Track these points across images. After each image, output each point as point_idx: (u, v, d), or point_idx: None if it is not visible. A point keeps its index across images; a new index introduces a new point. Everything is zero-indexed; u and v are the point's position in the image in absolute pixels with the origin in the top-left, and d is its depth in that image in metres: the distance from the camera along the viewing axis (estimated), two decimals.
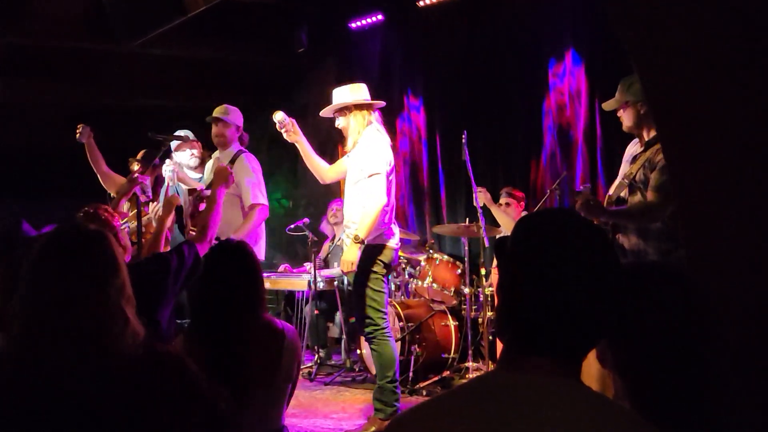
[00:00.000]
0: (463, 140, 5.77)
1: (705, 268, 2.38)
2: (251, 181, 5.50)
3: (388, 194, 4.87)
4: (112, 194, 6.10)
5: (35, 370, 2.04)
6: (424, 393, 6.03)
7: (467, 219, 6.86)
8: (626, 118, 4.14)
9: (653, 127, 4.05)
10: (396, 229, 5.01)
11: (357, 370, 7.03)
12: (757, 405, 2.11)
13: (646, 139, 4.09)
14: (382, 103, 5.15)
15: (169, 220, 4.33)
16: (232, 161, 5.55)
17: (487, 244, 6.06)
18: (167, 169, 5.77)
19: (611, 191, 4.18)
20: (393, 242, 4.94)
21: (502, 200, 6.70)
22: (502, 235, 5.90)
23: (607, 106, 4.25)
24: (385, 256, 4.90)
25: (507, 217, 6.42)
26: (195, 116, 9.83)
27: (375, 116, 5.03)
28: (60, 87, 9.28)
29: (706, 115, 2.39)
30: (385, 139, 4.96)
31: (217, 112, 5.75)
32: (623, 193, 4.10)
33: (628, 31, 2.62)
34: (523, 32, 7.33)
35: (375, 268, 4.87)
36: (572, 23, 6.91)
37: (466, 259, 6.42)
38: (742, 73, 2.27)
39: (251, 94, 10.20)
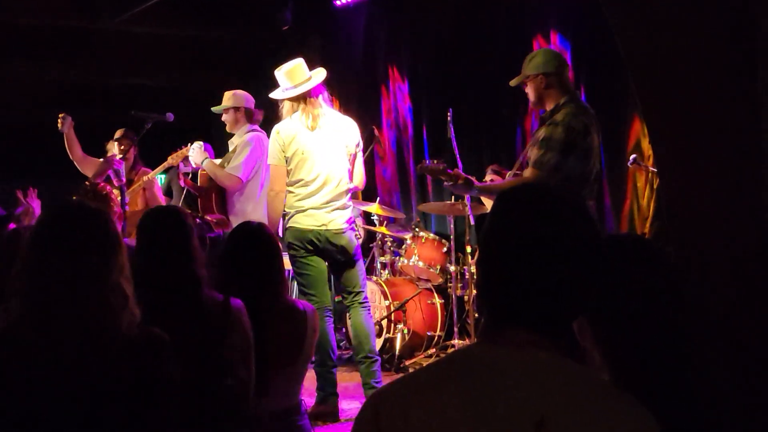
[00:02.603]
0: (449, 118, 5.75)
1: (694, 261, 2.40)
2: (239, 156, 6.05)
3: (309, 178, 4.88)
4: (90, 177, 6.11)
5: (38, 345, 2.05)
6: (410, 371, 6.03)
7: (453, 197, 6.84)
8: (530, 94, 4.20)
9: (553, 102, 4.08)
10: (308, 207, 4.90)
11: (343, 348, 7.04)
12: (735, 380, 2.13)
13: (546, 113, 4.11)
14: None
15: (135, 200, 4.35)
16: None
17: (472, 222, 6.06)
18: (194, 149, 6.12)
19: (514, 169, 4.23)
20: (293, 221, 4.90)
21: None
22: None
23: (512, 82, 4.28)
24: (289, 236, 4.92)
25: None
26: (178, 94, 9.80)
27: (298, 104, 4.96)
28: (41, 65, 9.20)
29: (698, 115, 2.41)
30: (283, 126, 4.91)
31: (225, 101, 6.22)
32: (520, 171, 4.16)
33: (623, 32, 2.62)
34: (509, 8, 7.28)
35: (290, 252, 4.93)
36: (558, 1, 6.87)
37: (451, 237, 6.42)
38: (736, 73, 2.28)
39: (235, 71, 10.12)
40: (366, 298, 5.10)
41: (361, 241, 6.30)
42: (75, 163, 6.44)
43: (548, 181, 3.82)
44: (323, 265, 4.98)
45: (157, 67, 9.68)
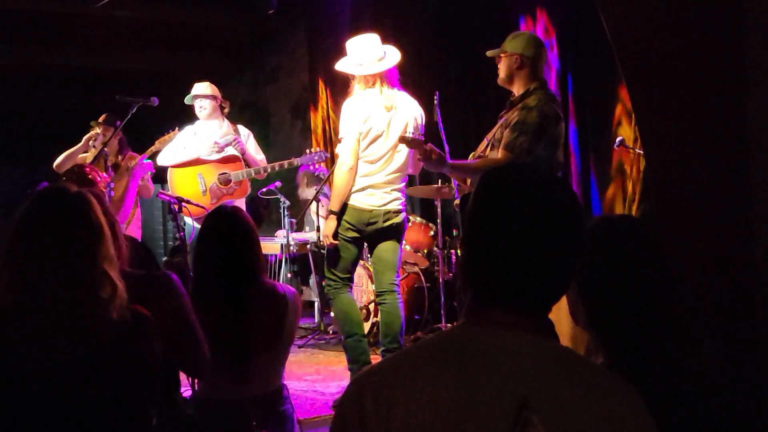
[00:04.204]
0: (435, 102, 5.73)
1: (682, 254, 2.43)
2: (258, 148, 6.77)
3: (367, 155, 4.84)
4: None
5: (28, 339, 2.03)
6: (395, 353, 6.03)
7: (439, 180, 6.84)
8: (501, 69, 4.19)
9: (523, 85, 4.10)
10: (368, 186, 4.87)
11: (331, 332, 7.05)
12: (719, 351, 2.16)
13: (515, 96, 4.12)
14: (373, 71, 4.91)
15: (122, 186, 4.34)
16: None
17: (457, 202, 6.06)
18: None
19: (479, 150, 4.25)
20: (353, 200, 4.86)
21: None
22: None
23: (489, 53, 4.31)
24: (349, 216, 4.86)
25: None
26: (164, 78, 9.75)
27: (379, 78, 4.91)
28: (25, 50, 9.13)
29: (689, 114, 2.44)
30: (361, 100, 4.86)
31: (205, 90, 6.47)
32: (486, 152, 4.17)
33: (618, 33, 2.63)
34: None
35: (341, 229, 4.89)
36: None
37: (438, 220, 6.42)
38: (726, 73, 2.31)
39: (221, 56, 10.08)
40: (399, 281, 5.10)
41: None
42: (60, 164, 6.33)
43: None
44: (357, 253, 5.00)
45: (141, 51, 9.63)
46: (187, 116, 6.71)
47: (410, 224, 6.67)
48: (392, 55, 4.99)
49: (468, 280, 1.47)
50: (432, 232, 6.64)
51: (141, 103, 5.63)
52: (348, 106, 4.89)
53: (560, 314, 1.93)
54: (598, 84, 6.07)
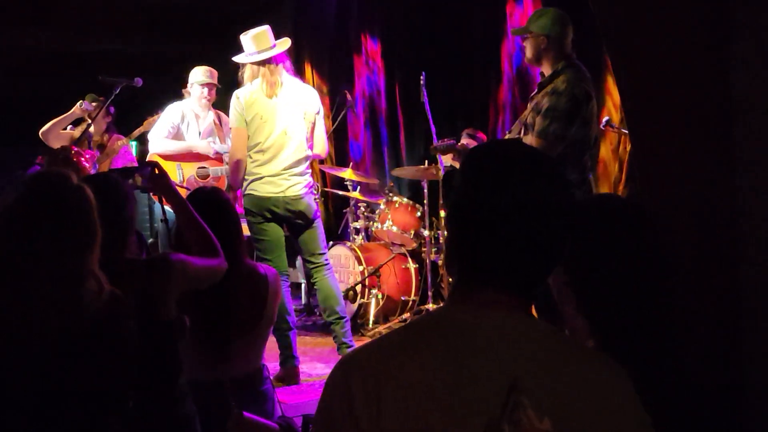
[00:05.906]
0: (422, 81, 5.72)
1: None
2: None
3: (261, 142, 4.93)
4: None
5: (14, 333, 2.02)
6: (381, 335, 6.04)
7: (426, 161, 6.83)
8: (528, 50, 4.18)
9: (551, 65, 4.09)
10: (264, 174, 4.96)
11: (317, 314, 7.06)
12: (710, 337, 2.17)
13: (546, 75, 4.12)
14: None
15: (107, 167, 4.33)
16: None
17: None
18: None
19: (513, 133, 4.25)
20: (250, 189, 4.97)
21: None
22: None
23: (514, 32, 4.33)
24: (246, 203, 5.00)
25: None
26: (150, 59, 9.68)
27: (264, 68, 4.99)
28: (9, 31, 9.04)
29: (677, 112, 2.45)
30: (244, 90, 4.98)
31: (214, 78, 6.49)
32: (520, 134, 4.16)
33: (612, 34, 2.64)
34: None
35: (247, 218, 5.02)
36: None
37: (425, 201, 6.41)
38: (715, 73, 2.33)
39: (208, 36, 10.00)
40: (327, 259, 5.20)
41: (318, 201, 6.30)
42: (46, 131, 6.29)
43: (553, 150, 3.82)
44: (280, 231, 5.08)
45: (126, 31, 9.54)
46: (172, 98, 6.67)
47: (397, 205, 6.68)
48: (281, 45, 5.09)
49: (455, 258, 1.44)
50: (419, 213, 6.63)
51: (124, 84, 5.61)
52: (233, 97, 5.00)
53: None
54: (584, 65, 6.05)
